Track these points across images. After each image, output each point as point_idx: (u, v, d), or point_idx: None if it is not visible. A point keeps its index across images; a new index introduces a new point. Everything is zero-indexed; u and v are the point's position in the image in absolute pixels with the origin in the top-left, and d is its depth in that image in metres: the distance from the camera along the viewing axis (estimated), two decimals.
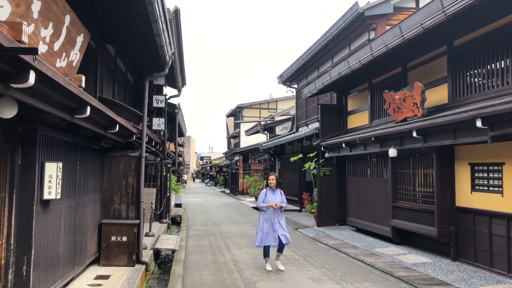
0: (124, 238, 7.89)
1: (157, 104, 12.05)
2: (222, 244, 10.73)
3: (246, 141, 34.39)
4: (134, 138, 8.28)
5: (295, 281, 7.03)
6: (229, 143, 50.57)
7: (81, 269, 6.92)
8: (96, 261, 7.75)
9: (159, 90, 12.37)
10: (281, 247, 7.97)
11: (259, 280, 7.05)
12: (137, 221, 8.04)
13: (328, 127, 14.13)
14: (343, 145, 12.17)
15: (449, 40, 8.58)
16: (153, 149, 13.33)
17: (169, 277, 7.59)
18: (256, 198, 27.06)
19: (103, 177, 8.17)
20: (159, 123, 12.06)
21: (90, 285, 6.45)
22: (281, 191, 8.25)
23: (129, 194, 8.28)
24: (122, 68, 11.80)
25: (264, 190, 8.18)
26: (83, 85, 5.20)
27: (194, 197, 31.76)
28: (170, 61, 8.66)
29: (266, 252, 8.04)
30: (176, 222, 16.76)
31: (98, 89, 8.90)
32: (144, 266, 7.87)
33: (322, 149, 14.06)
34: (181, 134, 24.20)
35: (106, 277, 6.94)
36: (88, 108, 4.83)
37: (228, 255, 9.21)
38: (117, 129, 6.58)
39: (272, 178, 8.19)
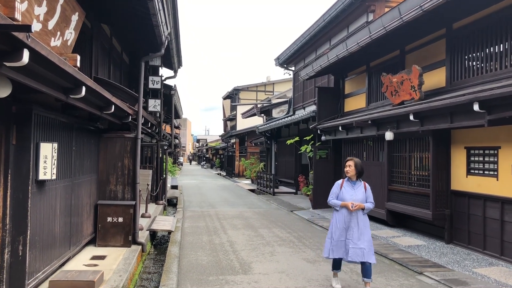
0: (120, 219, 7.90)
1: (153, 85, 11.94)
2: (218, 225, 10.78)
3: (243, 124, 34.33)
4: (130, 120, 8.23)
5: (290, 262, 7.09)
6: (225, 125, 50.49)
7: (77, 249, 6.95)
8: (92, 242, 7.78)
9: (155, 71, 12.23)
10: (366, 270, 5.57)
11: (255, 261, 7.10)
12: (133, 202, 8.05)
13: (325, 110, 14.10)
14: (340, 128, 12.16)
15: (448, 23, 8.51)
16: (149, 131, 13.26)
17: (165, 258, 7.64)
18: (252, 181, 27.30)
19: (98, 158, 8.15)
20: (155, 105, 11.98)
21: (86, 265, 6.47)
22: (366, 184, 5.98)
23: (125, 175, 8.27)
24: (118, 49, 11.68)
25: (340, 181, 5.94)
26: (78, 64, 5.14)
27: (190, 179, 31.82)
28: (166, 42, 8.56)
29: (335, 264, 5.90)
30: (172, 203, 16.82)
31: (93, 69, 8.81)
32: (140, 247, 7.91)
33: (319, 132, 14.05)
34: (177, 116, 24.12)
35: (102, 257, 6.97)
36: (84, 88, 4.78)
37: (224, 237, 9.26)
38: (112, 110, 6.53)
39: (350, 165, 5.79)
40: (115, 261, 6.78)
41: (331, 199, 5.89)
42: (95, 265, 6.51)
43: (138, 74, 8.66)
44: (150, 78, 12.09)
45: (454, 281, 5.99)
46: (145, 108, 12.27)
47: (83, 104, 5.55)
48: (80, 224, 7.05)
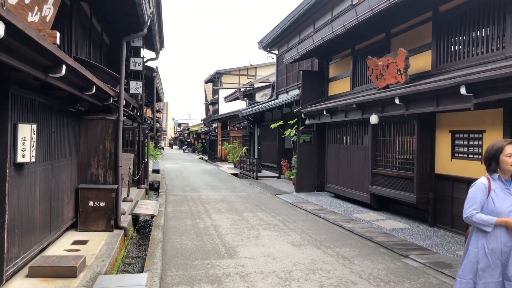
0: (102, 203, 7.73)
1: (135, 66, 11.67)
2: (201, 209, 10.67)
3: (225, 108, 34.07)
4: (111, 101, 8.00)
5: (276, 245, 7.04)
6: (207, 109, 50.11)
7: (58, 234, 6.77)
8: (73, 227, 7.60)
9: (136, 52, 11.94)
10: None
11: (240, 245, 7.03)
12: (115, 186, 7.88)
13: (309, 94, 14.02)
14: (324, 112, 12.10)
15: (435, 5, 8.45)
16: (131, 114, 13.01)
17: (148, 243, 7.52)
18: (235, 165, 27.18)
19: (79, 141, 7.93)
20: (136, 87, 11.72)
21: (67, 250, 6.31)
22: None
23: (106, 158, 8.07)
24: (98, 29, 11.34)
25: (483, 181, 3.44)
26: (58, 42, 4.91)
27: (172, 163, 31.56)
28: (149, 21, 8.30)
29: None
30: (154, 188, 16.64)
31: (73, 49, 8.52)
32: (122, 232, 7.76)
33: (303, 116, 13.98)
34: (159, 99, 23.76)
35: (84, 242, 6.81)
36: (64, 67, 4.57)
37: (208, 221, 9.17)
38: (94, 91, 6.31)
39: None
40: (97, 246, 6.63)
41: (474, 213, 3.39)
42: (77, 250, 6.35)
43: (119, 55, 8.39)
44: (132, 59, 11.81)
45: (439, 263, 6.02)
46: (127, 90, 12.00)
47: (63, 84, 5.33)
48: (61, 209, 6.86)
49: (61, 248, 6.40)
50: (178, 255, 6.40)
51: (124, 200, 10.71)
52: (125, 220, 8.44)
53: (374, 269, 5.80)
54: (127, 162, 13.06)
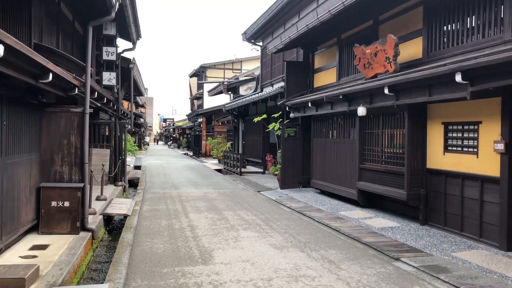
0: (67, 203, 7.06)
1: (108, 56, 10.95)
2: (179, 208, 10.03)
3: (210, 102, 33.37)
4: (76, 92, 7.31)
5: (256, 248, 6.44)
6: (192, 104, 49.31)
7: (13, 238, 6.09)
8: (35, 229, 6.94)
9: (109, 41, 11.22)
10: None
11: (217, 248, 6.41)
12: (81, 185, 7.21)
13: (293, 86, 13.44)
14: (309, 104, 11.52)
15: None
16: (106, 107, 12.31)
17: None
18: (219, 161, 26.54)
19: (41, 136, 7.23)
20: (110, 78, 11.01)
21: (23, 256, 5.66)
22: None
23: (72, 154, 7.39)
24: (69, 17, 10.61)
25: None
26: None
27: (156, 159, 30.79)
28: (117, 4, 7.63)
29: None
30: (134, 184, 15.92)
31: (35, 35, 7.80)
32: (90, 234, 7.11)
33: (287, 109, 13.40)
34: (140, 93, 23.01)
35: (44, 247, 6.15)
36: (1, 47, 3.89)
37: (185, 220, 8.53)
38: (50, 78, 5.63)
39: None
40: (59, 251, 5.98)
41: None
42: (34, 256, 5.70)
43: (85, 41, 7.69)
44: (104, 48, 11.10)
45: (434, 267, 5.48)
46: (99, 82, 11.29)
47: (8, 70, 4.65)
48: (17, 210, 6.18)
49: (16, 254, 5.75)
50: (146, 261, 5.76)
51: (98, 198, 10.04)
52: (94, 221, 7.78)
53: (363, 275, 5.23)
54: (102, 158, 12.37)
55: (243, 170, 18.79)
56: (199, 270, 5.34)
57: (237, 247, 6.53)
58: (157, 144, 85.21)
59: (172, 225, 8.09)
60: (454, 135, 7.41)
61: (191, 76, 45.73)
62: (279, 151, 14.33)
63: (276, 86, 16.99)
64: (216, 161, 27.27)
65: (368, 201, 9.87)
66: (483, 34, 6.75)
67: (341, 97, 9.72)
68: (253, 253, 6.17)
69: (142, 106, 39.16)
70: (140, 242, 6.84)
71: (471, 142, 7.01)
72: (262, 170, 18.84)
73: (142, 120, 47.48)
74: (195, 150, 37.28)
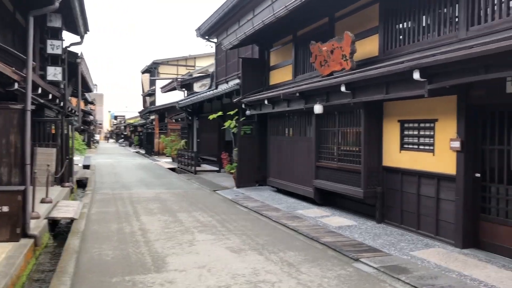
0: (5, 208, 6.49)
1: (53, 50, 10.30)
2: (130, 210, 9.57)
3: (163, 99, 32.57)
4: (16, 87, 6.76)
5: (212, 253, 6.15)
6: (144, 101, 48.11)
7: None
8: None
9: (55, 34, 10.54)
10: None
11: (171, 254, 6.07)
12: (22, 187, 6.66)
13: (249, 83, 13.23)
14: (266, 101, 11.33)
15: None
16: (51, 104, 11.59)
17: None
18: (173, 159, 25.92)
19: None
20: (55, 73, 10.36)
21: None
22: None
23: (11, 154, 6.81)
24: (9, 7, 9.87)
25: None
26: None
27: (106, 158, 29.76)
28: None
29: None
30: (83, 185, 15.17)
31: None
32: (32, 241, 6.57)
33: (243, 106, 13.16)
34: (89, 89, 22.05)
35: None
36: None
37: (136, 224, 8.11)
38: None
39: None
40: None
41: None
42: None
43: (25, 32, 7.11)
44: (49, 41, 10.43)
45: (394, 267, 5.40)
46: (44, 77, 10.60)
47: None
48: None
49: None
50: (94, 270, 5.35)
51: (42, 201, 9.39)
52: (38, 226, 7.23)
53: (323, 279, 5.06)
54: (48, 158, 11.66)
55: (198, 168, 18.40)
56: (152, 279, 5.00)
57: (192, 251, 6.22)
58: (107, 142, 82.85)
59: (122, 229, 7.65)
60: (410, 133, 7.41)
61: (143, 72, 44.56)
62: (235, 149, 14.08)
63: (232, 83, 16.73)
64: (169, 159, 26.66)
65: (324, 199, 9.79)
66: (439, 32, 6.77)
67: (297, 94, 9.58)
68: (210, 258, 5.88)
69: (92, 103, 37.74)
70: (88, 248, 6.38)
71: (427, 140, 7.02)
72: (217, 169, 18.52)
73: (91, 117, 45.91)
74: (148, 148, 36.35)
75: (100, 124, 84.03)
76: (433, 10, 6.91)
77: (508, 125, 5.83)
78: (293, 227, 7.78)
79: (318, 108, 8.92)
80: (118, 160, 27.18)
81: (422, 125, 7.13)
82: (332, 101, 8.65)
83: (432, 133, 6.89)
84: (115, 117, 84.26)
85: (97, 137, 68.88)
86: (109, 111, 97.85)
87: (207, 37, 20.49)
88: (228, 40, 12.98)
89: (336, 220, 8.36)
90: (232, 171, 14.46)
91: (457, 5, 6.39)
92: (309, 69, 10.73)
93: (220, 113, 16.17)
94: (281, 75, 12.34)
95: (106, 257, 5.93)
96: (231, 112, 14.43)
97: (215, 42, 20.55)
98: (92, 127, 51.72)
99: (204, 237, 7.09)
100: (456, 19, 6.42)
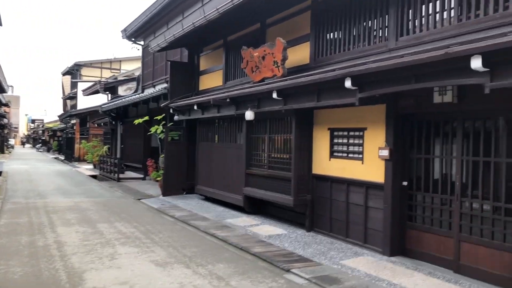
0: None
1: None
2: (45, 221, 8.78)
3: (85, 103, 30.90)
4: None
5: (135, 267, 5.71)
6: (65, 105, 45.60)
7: None
8: None
9: None
10: None
11: (89, 269, 5.55)
12: None
13: (178, 87, 12.80)
14: (195, 107, 10.98)
15: None
16: None
17: None
18: (95, 166, 24.57)
19: None
20: None
21: None
22: None
23: None
24: None
25: None
26: None
27: (21, 163, 27.68)
28: None
29: None
30: None
31: None
32: None
33: (171, 111, 12.71)
34: (2, 90, 20.46)
35: None
36: None
37: (51, 236, 7.41)
38: None
39: None
40: None
41: None
42: None
43: None
44: None
45: (325, 278, 5.30)
46: None
47: None
48: None
49: None
50: None
51: None
52: None
53: None
54: None
55: (121, 176, 17.53)
56: None
57: (113, 266, 5.73)
58: (24, 147, 77.58)
59: (34, 242, 6.94)
60: (340, 141, 7.45)
61: (64, 74, 42.23)
62: (161, 156, 13.56)
63: (159, 87, 16.17)
64: (91, 166, 25.29)
65: (254, 207, 9.62)
66: (369, 42, 6.86)
67: (228, 100, 9.36)
68: (133, 273, 5.44)
69: (6, 105, 35.03)
70: None
71: (356, 148, 7.07)
72: (142, 176, 17.77)
73: (5, 120, 42.70)
74: (67, 154, 34.33)
75: (16, 128, 78.59)
76: (363, 20, 7.00)
77: (434, 135, 6.00)
78: (222, 237, 7.50)
79: (249, 115, 8.75)
80: (35, 166, 25.36)
81: (351, 133, 7.18)
82: (263, 108, 8.51)
83: (361, 141, 6.95)
84: (33, 121, 79.26)
85: (12, 141, 64.31)
86: (26, 115, 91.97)
87: (133, 39, 19.71)
88: (156, 42, 12.49)
89: (266, 229, 8.20)
90: (158, 178, 13.91)
91: (387, 16, 6.51)
92: (240, 75, 10.56)
93: (146, 118, 15.54)
94: (212, 80, 12.07)
95: (13, 275, 5.27)
96: (158, 117, 13.90)
97: (142, 45, 19.84)
98: (6, 131, 48.18)
99: (127, 249, 6.60)
100: (386, 30, 6.52)
